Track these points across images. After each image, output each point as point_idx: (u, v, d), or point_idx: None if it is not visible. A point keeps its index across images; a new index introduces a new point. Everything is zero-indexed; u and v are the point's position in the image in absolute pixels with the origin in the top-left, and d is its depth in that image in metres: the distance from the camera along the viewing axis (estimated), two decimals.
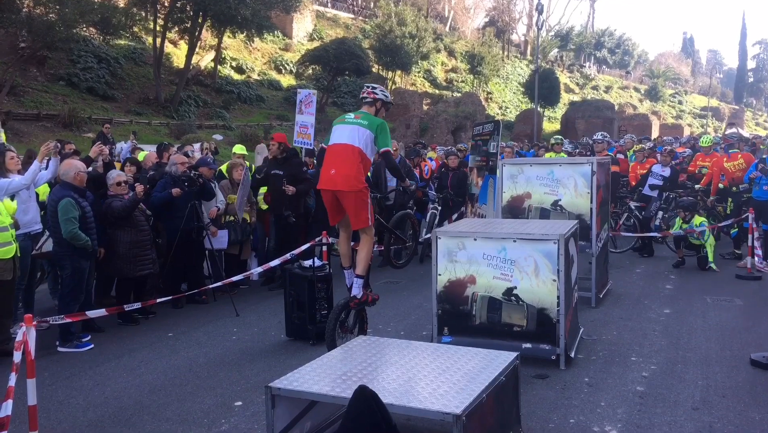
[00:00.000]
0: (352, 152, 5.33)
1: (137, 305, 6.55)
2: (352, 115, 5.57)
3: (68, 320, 5.79)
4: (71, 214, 6.56)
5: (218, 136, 26.69)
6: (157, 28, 29.33)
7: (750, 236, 9.77)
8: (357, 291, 5.59)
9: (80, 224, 6.63)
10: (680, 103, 75.08)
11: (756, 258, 9.68)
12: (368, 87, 5.80)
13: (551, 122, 49.81)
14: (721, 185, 11.92)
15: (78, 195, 6.73)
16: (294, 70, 41.62)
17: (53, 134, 20.45)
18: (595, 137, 13.69)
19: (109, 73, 29.47)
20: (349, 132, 5.41)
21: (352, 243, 5.86)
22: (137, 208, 7.56)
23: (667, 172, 11.99)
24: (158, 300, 6.95)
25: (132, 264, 7.48)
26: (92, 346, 6.77)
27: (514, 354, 4.54)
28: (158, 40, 29.49)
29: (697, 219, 10.30)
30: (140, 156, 10.69)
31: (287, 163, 9.19)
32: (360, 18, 55.78)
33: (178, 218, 8.15)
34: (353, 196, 5.29)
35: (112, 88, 29.18)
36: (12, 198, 6.89)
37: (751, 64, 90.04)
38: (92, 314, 5.96)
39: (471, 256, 6.04)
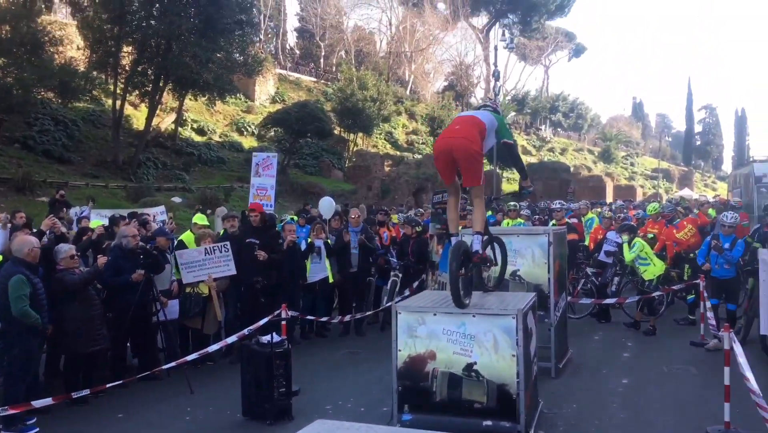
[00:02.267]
0: (473, 123, 5.82)
1: (86, 392, 6.28)
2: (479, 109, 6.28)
3: (12, 412, 5.51)
4: (22, 292, 6.37)
5: (177, 199, 26.46)
6: (118, 90, 29.25)
7: (702, 303, 9.95)
8: (477, 246, 5.90)
9: (31, 301, 6.43)
10: (632, 165, 77.69)
11: (710, 328, 9.78)
12: (492, 101, 6.59)
13: (510, 183, 50.76)
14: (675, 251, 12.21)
15: (30, 272, 6.55)
16: (256, 132, 41.88)
17: (6, 199, 20.00)
18: (553, 206, 14.08)
19: (66, 136, 29.06)
20: (477, 112, 6.10)
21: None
22: None
23: (620, 238, 12.26)
24: (108, 385, 6.68)
25: (83, 340, 7.19)
26: (37, 430, 6.42)
27: None
28: (118, 102, 29.37)
29: (636, 240, 10.92)
30: (92, 224, 10.47)
31: (266, 233, 9.26)
32: (322, 81, 56.82)
33: (130, 292, 7.92)
34: (468, 155, 5.64)
35: (69, 151, 28.76)
36: None
37: (698, 128, 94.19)
38: (38, 403, 5.71)
39: (431, 331, 6.01)
